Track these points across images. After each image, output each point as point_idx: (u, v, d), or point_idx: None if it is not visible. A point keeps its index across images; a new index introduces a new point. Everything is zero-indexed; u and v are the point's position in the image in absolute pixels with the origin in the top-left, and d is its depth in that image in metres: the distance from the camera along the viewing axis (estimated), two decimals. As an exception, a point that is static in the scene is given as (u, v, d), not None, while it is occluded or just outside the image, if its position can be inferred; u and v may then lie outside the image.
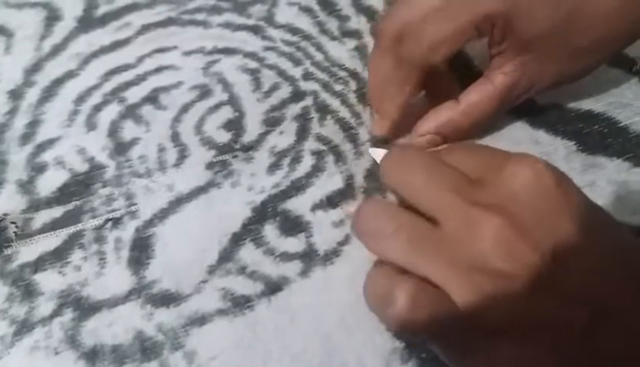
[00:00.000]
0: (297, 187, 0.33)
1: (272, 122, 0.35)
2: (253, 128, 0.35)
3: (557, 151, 0.34)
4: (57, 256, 0.30)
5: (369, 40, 0.40)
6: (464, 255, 0.22)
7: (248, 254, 0.30)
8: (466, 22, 0.29)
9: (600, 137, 0.34)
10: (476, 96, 0.32)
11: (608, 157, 0.34)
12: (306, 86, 0.37)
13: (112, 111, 0.36)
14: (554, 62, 0.31)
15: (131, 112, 0.36)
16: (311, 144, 0.34)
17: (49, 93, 0.37)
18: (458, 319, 0.22)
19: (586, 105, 0.36)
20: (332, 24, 0.41)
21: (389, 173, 0.26)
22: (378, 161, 0.33)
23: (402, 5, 0.30)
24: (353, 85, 0.37)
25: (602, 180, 0.33)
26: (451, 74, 0.35)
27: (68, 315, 0.28)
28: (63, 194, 0.32)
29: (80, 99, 0.37)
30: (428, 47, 0.29)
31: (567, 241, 0.21)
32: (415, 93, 0.32)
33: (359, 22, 0.41)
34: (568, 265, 0.21)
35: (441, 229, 0.23)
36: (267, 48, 0.39)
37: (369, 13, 0.41)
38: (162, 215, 0.32)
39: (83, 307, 0.29)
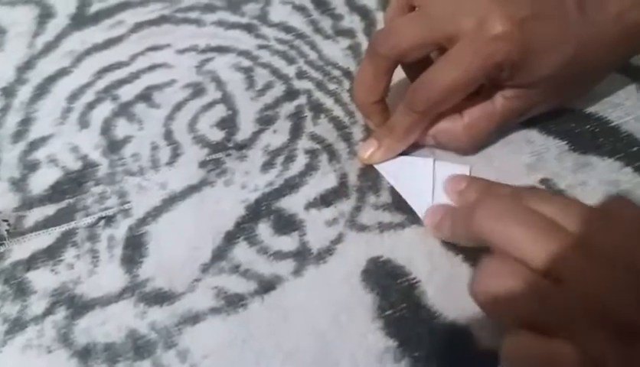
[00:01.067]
0: (291, 186, 0.33)
1: (265, 121, 0.35)
2: (246, 126, 0.35)
3: (549, 150, 0.34)
4: (50, 254, 0.30)
5: (363, 39, 0.40)
6: (596, 313, 0.21)
7: (241, 252, 0.30)
8: (477, 70, 0.29)
9: (592, 136, 0.35)
10: (478, 113, 0.32)
11: (599, 157, 0.34)
12: (300, 84, 0.37)
13: (105, 109, 0.36)
14: (558, 92, 0.32)
15: (124, 110, 0.36)
16: (304, 143, 0.34)
17: (41, 91, 0.37)
18: None
19: (578, 105, 0.36)
20: (326, 23, 0.41)
21: (488, 226, 0.24)
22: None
23: (405, 31, 0.30)
24: (346, 84, 0.37)
25: (593, 179, 0.33)
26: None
27: (61, 313, 0.28)
28: (55, 192, 0.32)
29: (73, 96, 0.37)
30: (439, 96, 0.30)
31: None
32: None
33: (352, 21, 0.41)
34: None
35: (566, 286, 0.22)
36: (261, 46, 0.39)
37: (362, 12, 0.42)
38: (155, 213, 0.32)
39: (75, 306, 0.29)
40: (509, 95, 0.31)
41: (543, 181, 0.33)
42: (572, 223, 0.24)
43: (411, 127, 0.32)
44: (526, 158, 0.34)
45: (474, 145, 0.33)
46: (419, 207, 0.31)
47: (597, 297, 0.21)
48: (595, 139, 0.35)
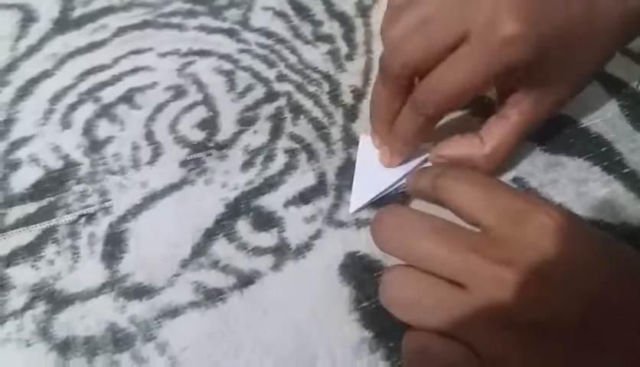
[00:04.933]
0: (270, 184, 0.33)
1: (246, 122, 0.36)
2: (227, 127, 0.36)
3: (522, 150, 0.35)
4: (30, 251, 0.30)
5: (342, 44, 0.41)
6: (496, 314, 0.22)
7: (221, 248, 0.31)
8: (486, 73, 0.26)
9: (563, 137, 0.36)
10: (499, 138, 0.31)
11: (570, 157, 0.35)
12: (280, 87, 0.38)
13: (87, 110, 0.36)
14: (568, 86, 0.31)
15: (106, 111, 0.36)
16: (284, 143, 0.35)
17: (24, 92, 0.37)
18: None
19: (550, 107, 0.37)
20: (306, 29, 0.42)
21: (388, 242, 0.25)
22: (360, 149, 0.34)
23: (412, 39, 0.28)
24: (326, 86, 0.38)
25: (564, 178, 0.34)
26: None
27: (40, 308, 0.29)
28: (37, 190, 0.33)
29: (55, 98, 0.37)
30: (447, 99, 0.28)
31: (600, 291, 0.21)
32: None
33: (332, 27, 0.42)
34: (603, 312, 0.21)
35: (467, 290, 0.22)
36: (242, 50, 0.40)
37: (342, 18, 0.43)
38: (136, 211, 0.32)
39: (55, 300, 0.29)
40: (525, 109, 0.30)
41: (516, 180, 0.34)
42: (483, 219, 0.24)
43: (417, 130, 0.30)
44: (499, 158, 0.35)
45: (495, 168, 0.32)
46: (357, 199, 0.32)
47: (499, 303, 0.22)
48: (566, 140, 0.36)
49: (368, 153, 0.34)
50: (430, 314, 0.23)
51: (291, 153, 0.35)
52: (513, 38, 0.25)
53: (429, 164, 0.34)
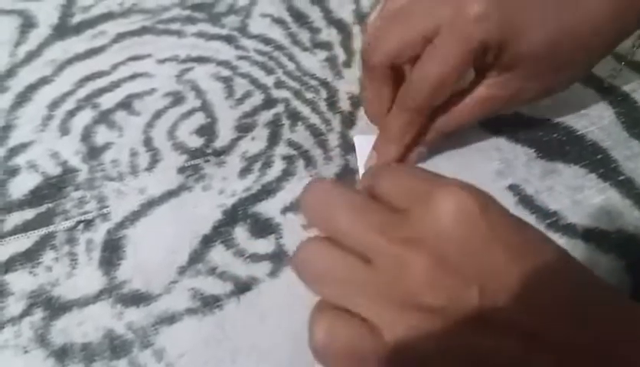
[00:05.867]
0: (268, 191, 0.33)
1: (244, 128, 0.36)
2: (225, 133, 0.36)
3: (518, 157, 0.35)
4: (28, 257, 0.31)
5: (339, 52, 0.41)
6: (396, 293, 0.22)
7: (218, 255, 0.31)
8: (461, 57, 0.29)
9: (559, 144, 0.36)
10: (458, 107, 0.32)
11: (566, 164, 0.35)
12: (278, 93, 0.38)
13: (85, 116, 0.37)
14: (539, 78, 0.32)
15: (104, 118, 0.36)
16: (282, 149, 0.35)
17: (23, 99, 0.37)
18: (381, 355, 0.21)
19: (546, 114, 0.37)
20: (304, 36, 0.42)
21: (310, 211, 0.24)
22: (358, 150, 0.35)
23: (390, 35, 0.31)
24: (323, 93, 0.38)
25: (560, 185, 0.34)
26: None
27: (38, 314, 0.29)
28: (35, 197, 0.33)
29: (54, 104, 0.37)
30: (432, 91, 0.30)
31: (494, 272, 0.21)
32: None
33: (330, 34, 0.42)
34: (496, 296, 0.21)
35: (373, 267, 0.22)
36: (240, 57, 0.40)
37: (340, 25, 0.43)
38: (133, 217, 0.32)
39: (53, 307, 0.29)
40: (491, 83, 0.31)
41: (512, 187, 0.34)
42: (401, 200, 0.24)
43: (405, 126, 0.32)
44: (495, 165, 0.35)
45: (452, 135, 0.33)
46: None
47: (399, 283, 0.21)
48: (562, 147, 0.36)
49: (366, 153, 0.34)
50: (336, 288, 0.23)
51: (288, 159, 0.35)
52: (479, 16, 0.28)
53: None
